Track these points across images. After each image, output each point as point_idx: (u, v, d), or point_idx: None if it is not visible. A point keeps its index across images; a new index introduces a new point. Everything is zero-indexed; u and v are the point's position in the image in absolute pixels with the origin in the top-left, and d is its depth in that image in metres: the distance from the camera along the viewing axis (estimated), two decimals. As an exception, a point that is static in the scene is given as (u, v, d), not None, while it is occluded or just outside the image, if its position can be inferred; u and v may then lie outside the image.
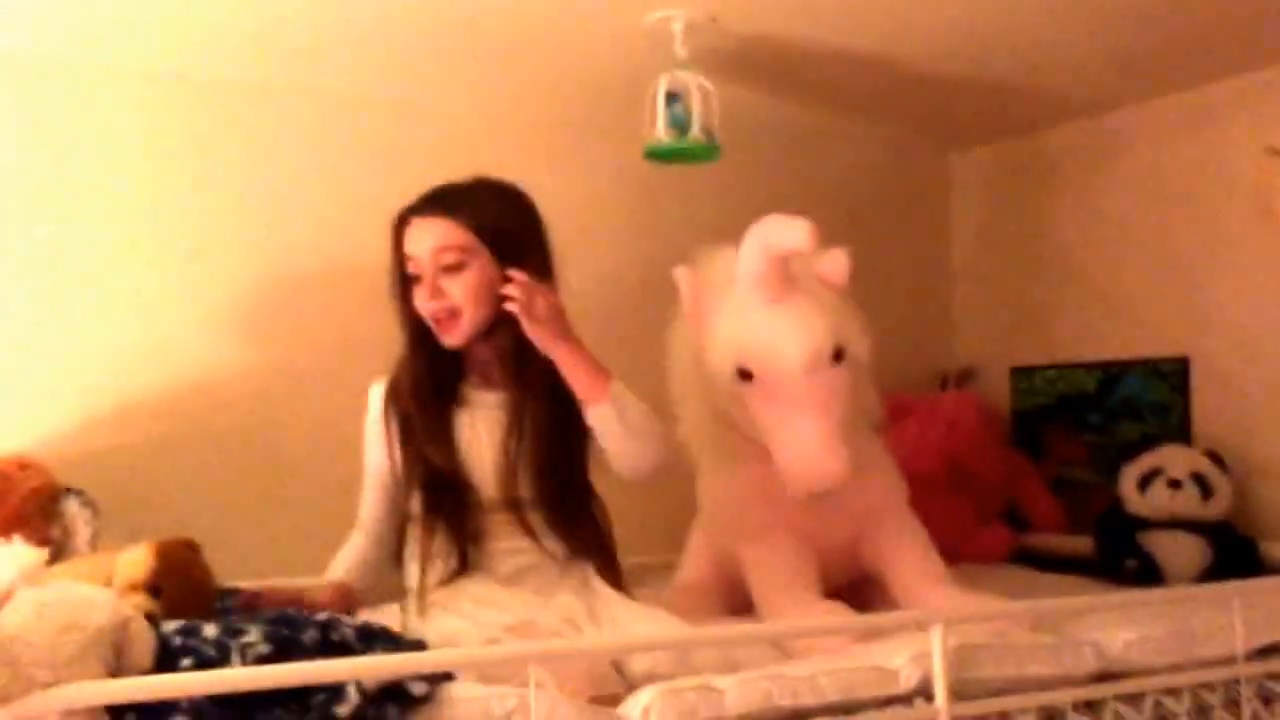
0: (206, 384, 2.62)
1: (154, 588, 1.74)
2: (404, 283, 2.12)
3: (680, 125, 2.39)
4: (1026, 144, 3.37)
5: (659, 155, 2.48)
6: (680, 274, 2.43)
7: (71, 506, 2.15)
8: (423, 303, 2.10)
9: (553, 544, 2.11)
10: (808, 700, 1.77)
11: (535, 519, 2.11)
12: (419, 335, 2.13)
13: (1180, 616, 2.09)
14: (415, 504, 2.13)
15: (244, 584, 1.98)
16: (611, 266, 2.97)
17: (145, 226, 2.59)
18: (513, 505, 2.10)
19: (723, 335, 2.35)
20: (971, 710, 1.82)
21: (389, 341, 2.18)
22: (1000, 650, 1.92)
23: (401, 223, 2.12)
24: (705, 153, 2.46)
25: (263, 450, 2.66)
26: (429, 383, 2.13)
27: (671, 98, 2.40)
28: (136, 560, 1.78)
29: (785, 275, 2.32)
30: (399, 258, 2.12)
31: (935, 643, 1.78)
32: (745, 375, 2.32)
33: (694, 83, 2.38)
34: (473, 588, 2.01)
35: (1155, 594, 2.35)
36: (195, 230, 2.63)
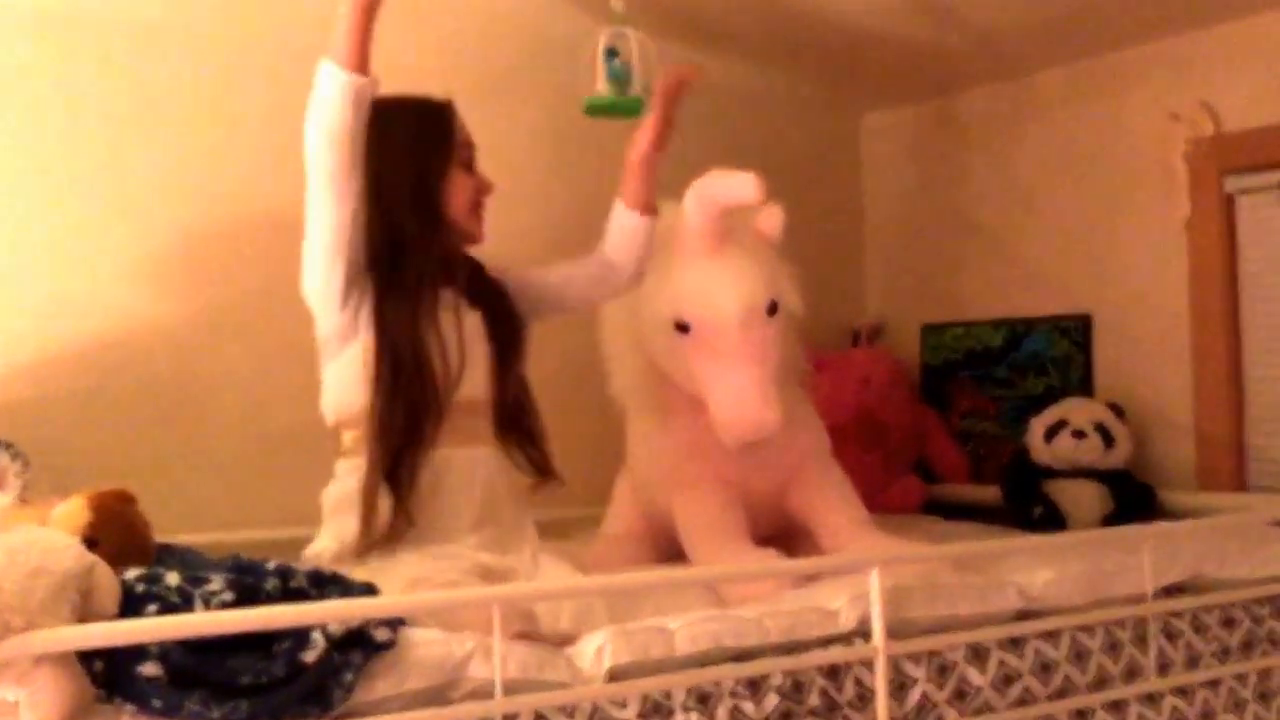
0: (126, 335, 2.55)
1: (91, 540, 1.68)
2: (441, 167, 2.04)
3: (620, 79, 2.41)
4: (940, 106, 3.47)
5: (599, 109, 2.49)
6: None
7: (2, 459, 2.09)
8: (478, 186, 2.10)
9: (517, 454, 2.13)
10: (753, 640, 1.83)
11: (506, 424, 2.12)
12: (437, 226, 2.03)
13: (1094, 558, 2.21)
14: (371, 393, 1.94)
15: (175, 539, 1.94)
16: (544, 220, 2.97)
17: (61, 177, 2.51)
18: (492, 408, 2.09)
19: (661, 288, 2.39)
20: (907, 649, 1.90)
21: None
22: (931, 591, 2.00)
23: (450, 108, 2.07)
24: (642, 107, 2.48)
25: (185, 402, 2.60)
26: (435, 272, 2.02)
27: (610, 52, 2.41)
28: (72, 512, 1.73)
29: (724, 229, 2.37)
30: (446, 141, 2.04)
31: (873, 584, 1.85)
32: (682, 327, 2.37)
33: (635, 37, 2.40)
34: (438, 524, 1.97)
35: (1072, 537, 2.48)
36: (113, 180, 2.56)
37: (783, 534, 2.49)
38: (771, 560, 2.17)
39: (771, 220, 2.48)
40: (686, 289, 2.37)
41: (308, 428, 2.11)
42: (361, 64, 1.84)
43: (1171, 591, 2.21)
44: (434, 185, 2.02)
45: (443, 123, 2.06)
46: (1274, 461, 2.74)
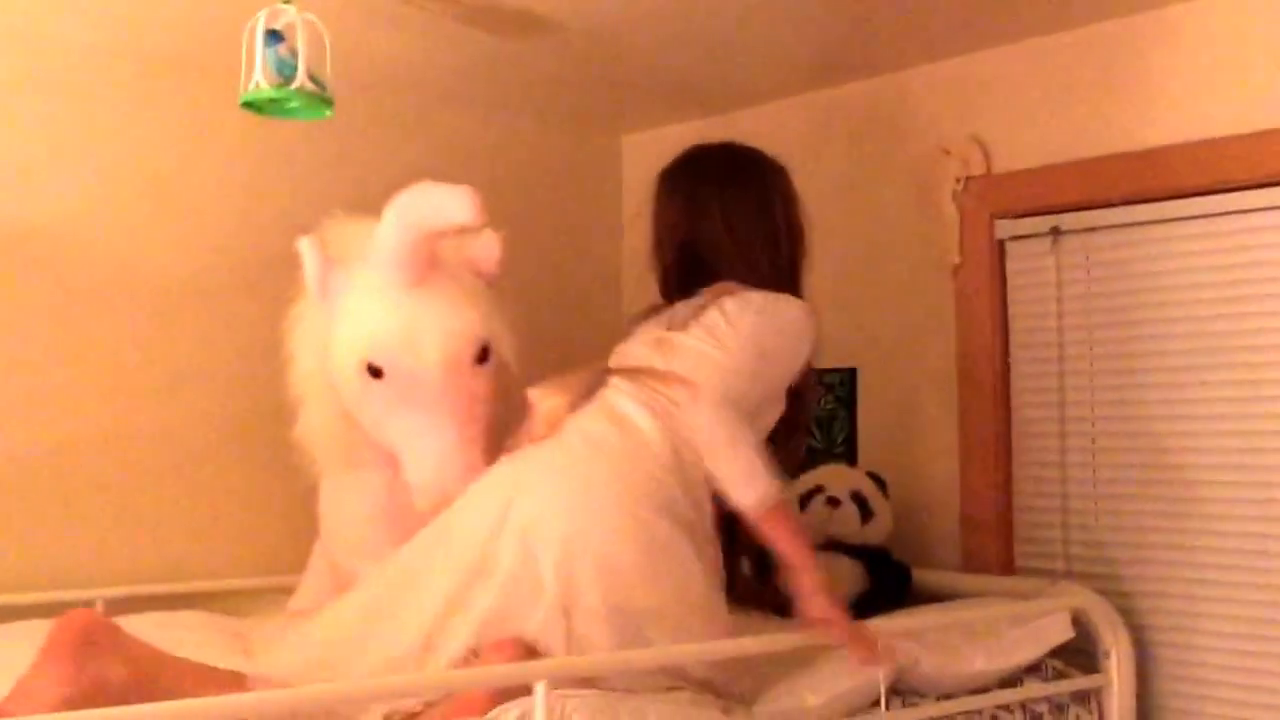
0: None
1: None
2: None
3: (286, 71, 1.98)
4: (705, 127, 3.18)
5: (256, 106, 2.05)
6: (305, 246, 2.07)
7: None
8: None
9: None
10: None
11: None
12: None
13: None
14: None
15: None
16: (220, 236, 2.57)
17: None
18: None
19: (351, 323, 2.04)
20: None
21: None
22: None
23: None
24: (312, 106, 2.06)
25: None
26: None
27: (275, 36, 1.98)
28: None
29: (430, 256, 2.01)
30: None
31: (537, 701, 1.53)
32: (375, 372, 2.03)
33: (300, 19, 1.97)
34: None
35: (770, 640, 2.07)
36: None
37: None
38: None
39: (487, 250, 2.13)
40: (380, 326, 2.02)
41: None
42: None
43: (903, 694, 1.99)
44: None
45: None
46: (1045, 541, 2.52)
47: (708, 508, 1.92)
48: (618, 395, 1.97)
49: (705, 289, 2.05)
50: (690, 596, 1.86)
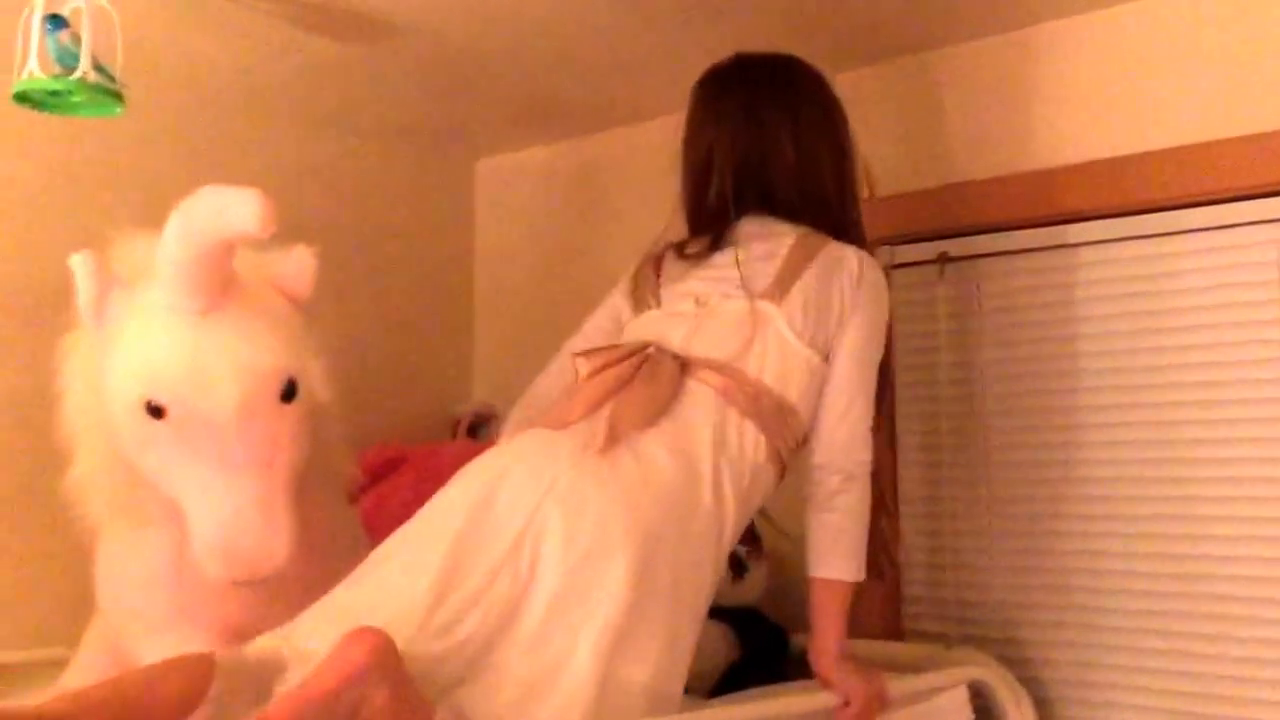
0: None
1: None
2: None
3: (67, 60, 1.71)
4: (565, 150, 2.93)
5: (32, 99, 1.76)
6: (78, 264, 1.75)
7: None
8: None
9: None
10: None
11: None
12: None
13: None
14: None
15: None
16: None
17: None
18: None
19: (128, 354, 1.72)
20: None
21: None
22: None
23: None
24: (99, 102, 1.77)
25: None
26: None
27: (57, 21, 1.70)
28: None
29: (223, 275, 1.71)
30: None
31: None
32: (156, 411, 1.70)
33: (85, 2, 1.70)
34: None
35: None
36: None
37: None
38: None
39: (298, 269, 1.83)
40: (163, 358, 1.70)
41: None
42: None
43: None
44: None
45: None
46: (935, 601, 2.28)
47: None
48: (701, 420, 1.66)
49: (767, 220, 1.82)
50: (678, 669, 1.61)
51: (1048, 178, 2.14)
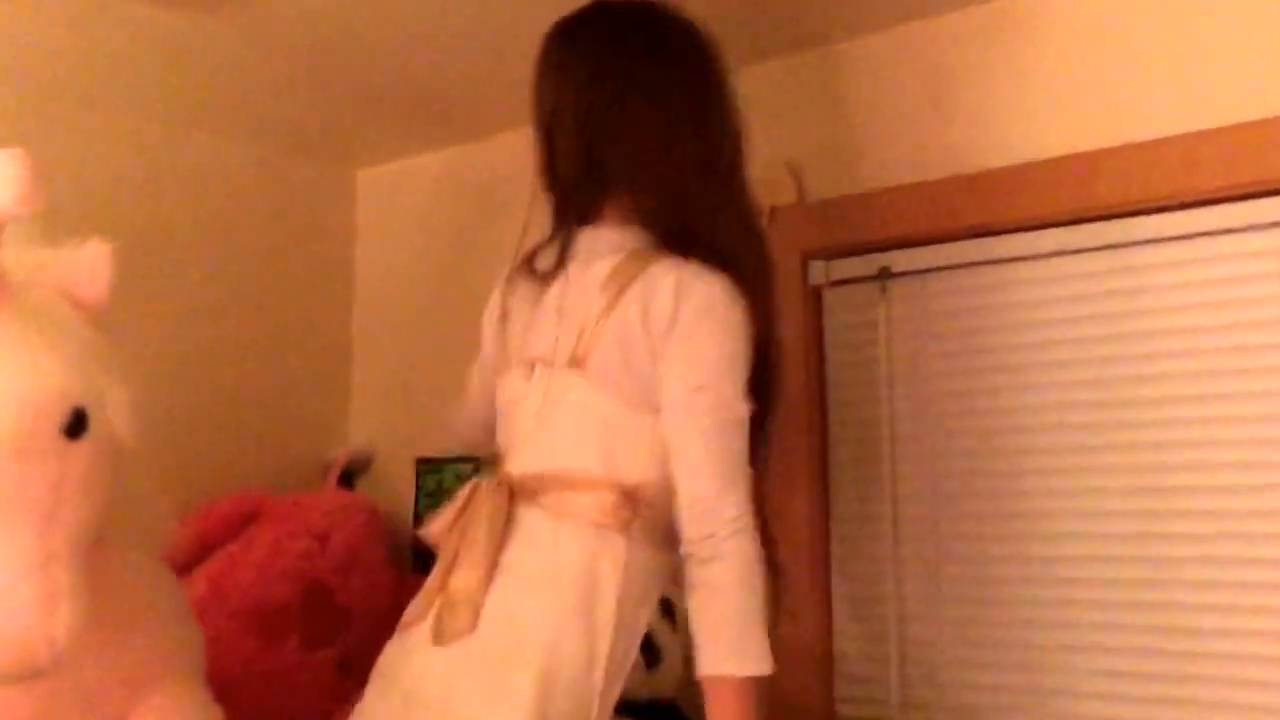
0: None
1: None
2: None
3: None
4: (454, 156, 2.62)
5: None
6: None
7: None
8: None
9: None
10: None
11: None
12: None
13: None
14: None
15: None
16: None
17: None
18: None
19: None
20: None
21: None
22: None
23: None
24: None
25: None
26: None
27: None
28: None
29: (-9, 277, 1.36)
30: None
31: None
32: (-103, 449, 1.33)
33: None
34: None
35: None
36: None
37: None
38: None
39: (92, 269, 1.47)
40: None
41: None
42: None
43: None
44: None
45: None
46: (873, 680, 1.96)
47: None
48: (543, 556, 1.47)
49: (600, 229, 1.55)
50: None
51: (1003, 178, 1.85)
